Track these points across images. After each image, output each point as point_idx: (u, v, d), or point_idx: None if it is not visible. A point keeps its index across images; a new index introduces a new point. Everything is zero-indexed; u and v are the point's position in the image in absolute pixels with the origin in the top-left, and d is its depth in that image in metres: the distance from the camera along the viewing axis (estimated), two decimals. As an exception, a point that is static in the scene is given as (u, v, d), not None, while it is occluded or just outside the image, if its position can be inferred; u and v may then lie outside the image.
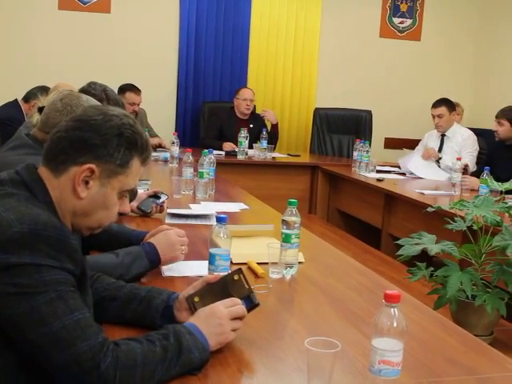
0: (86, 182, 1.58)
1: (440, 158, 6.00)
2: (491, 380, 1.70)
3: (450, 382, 1.65)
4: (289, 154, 6.87)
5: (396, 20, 7.83)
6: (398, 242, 2.91)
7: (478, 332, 2.70)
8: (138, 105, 6.33)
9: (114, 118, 1.61)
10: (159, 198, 3.29)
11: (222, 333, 1.66)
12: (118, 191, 1.63)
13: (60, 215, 1.58)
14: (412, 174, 5.87)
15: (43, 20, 6.77)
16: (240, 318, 1.71)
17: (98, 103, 2.47)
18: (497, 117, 5.37)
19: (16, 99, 5.75)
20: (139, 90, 6.32)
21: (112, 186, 1.61)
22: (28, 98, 5.69)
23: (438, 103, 6.19)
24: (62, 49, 6.79)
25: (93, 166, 1.57)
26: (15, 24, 6.71)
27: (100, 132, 1.58)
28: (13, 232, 1.42)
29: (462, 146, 6.05)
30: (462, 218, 2.91)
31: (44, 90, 5.68)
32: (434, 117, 6.19)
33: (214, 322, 1.65)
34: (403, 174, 5.93)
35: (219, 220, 2.23)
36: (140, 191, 3.41)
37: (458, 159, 5.33)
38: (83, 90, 2.99)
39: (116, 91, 5.93)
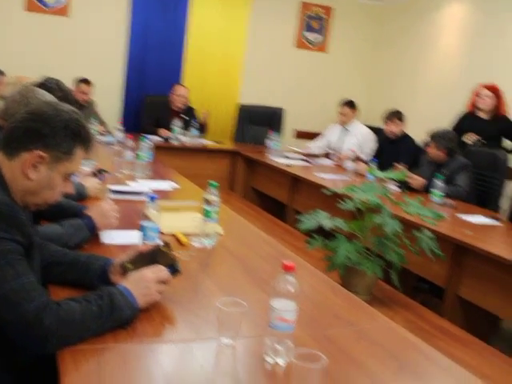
0: (35, 166, 1.54)
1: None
2: (367, 330, 1.75)
3: (333, 334, 1.69)
4: (215, 141, 6.84)
5: (308, 34, 7.85)
6: (299, 217, 2.93)
7: (360, 291, 2.76)
8: (89, 95, 6.17)
9: (63, 113, 1.58)
10: (101, 173, 3.25)
11: (149, 294, 1.65)
12: (62, 175, 1.60)
13: (12, 194, 1.54)
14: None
15: (9, 21, 6.49)
16: (165, 282, 1.71)
17: (52, 97, 2.39)
18: (389, 118, 5.40)
19: None
20: (91, 83, 6.16)
21: (58, 170, 1.58)
22: None
23: (343, 103, 6.30)
24: (24, 46, 6.51)
25: (42, 152, 1.53)
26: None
27: (50, 124, 1.55)
28: None
29: (361, 141, 6.16)
30: (352, 199, 2.95)
31: None
32: (339, 114, 6.27)
33: (142, 284, 1.64)
34: (307, 161, 6.01)
35: (151, 198, 2.21)
36: (85, 169, 3.33)
37: (352, 151, 5.44)
38: (40, 84, 2.89)
39: (72, 82, 5.84)
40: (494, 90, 5.18)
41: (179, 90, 6.68)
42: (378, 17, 7.94)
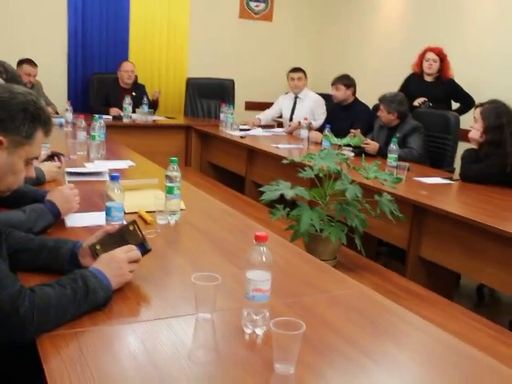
0: None
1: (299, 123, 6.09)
2: (338, 296, 1.79)
3: (307, 301, 1.72)
4: (166, 117, 6.78)
5: (252, 4, 7.80)
6: (261, 189, 2.94)
7: (325, 257, 2.80)
8: (35, 76, 6.00)
9: (20, 96, 1.54)
10: (58, 156, 3.20)
11: (122, 274, 1.65)
12: (24, 159, 1.56)
13: None
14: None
15: None
16: (136, 261, 1.70)
17: (0, 79, 2.32)
18: (333, 84, 5.49)
19: None
20: (35, 64, 5.97)
21: (19, 154, 1.54)
22: None
23: (296, 69, 6.29)
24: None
25: (1, 137, 1.49)
26: None
27: (6, 108, 1.51)
28: None
29: (314, 107, 6.19)
30: (311, 167, 2.97)
31: None
32: (293, 79, 6.25)
33: (114, 265, 1.63)
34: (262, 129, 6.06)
35: (113, 178, 2.19)
36: (42, 153, 3.27)
37: (305, 119, 5.46)
38: (-17, 66, 2.80)
39: (15, 65, 5.66)
40: (439, 53, 5.26)
41: (126, 66, 6.59)
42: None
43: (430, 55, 5.26)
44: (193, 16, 7.40)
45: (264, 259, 1.46)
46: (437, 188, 3.68)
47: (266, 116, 6.52)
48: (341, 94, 5.44)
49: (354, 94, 5.48)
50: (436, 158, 4.71)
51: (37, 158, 1.64)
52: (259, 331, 1.47)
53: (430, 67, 5.25)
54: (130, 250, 1.70)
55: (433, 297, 2.85)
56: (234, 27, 7.71)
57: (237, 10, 7.73)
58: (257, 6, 7.82)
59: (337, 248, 2.89)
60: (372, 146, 4.59)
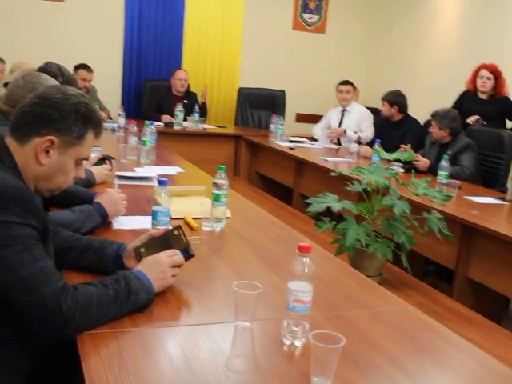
0: (47, 151, 1.54)
1: (345, 131, 6.09)
2: (381, 313, 1.75)
3: (348, 315, 1.69)
4: (217, 126, 6.83)
5: (305, 16, 7.81)
6: (307, 200, 2.93)
7: (370, 273, 2.76)
8: (90, 81, 6.13)
9: (72, 97, 1.57)
10: (108, 160, 3.26)
11: (164, 278, 1.66)
12: (74, 159, 1.59)
13: (25, 179, 1.54)
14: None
15: (4, 7, 6.45)
16: (179, 266, 1.71)
17: (56, 81, 2.39)
18: (381, 99, 5.47)
19: None
20: (91, 69, 6.11)
21: (69, 154, 1.57)
22: None
23: (347, 82, 6.29)
24: (22, 33, 6.48)
25: (53, 137, 1.53)
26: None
27: (59, 108, 1.54)
28: None
29: (360, 120, 6.16)
30: (359, 181, 2.94)
31: None
32: (341, 91, 6.25)
33: (157, 268, 1.65)
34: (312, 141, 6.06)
35: (161, 183, 2.22)
36: (92, 155, 3.33)
37: (355, 132, 5.43)
38: (41, 69, 2.88)
39: (71, 70, 5.80)
40: (493, 70, 5.14)
41: (179, 74, 6.67)
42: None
43: (484, 72, 5.14)
44: (246, 26, 7.46)
45: (306, 270, 1.45)
46: (488, 208, 3.59)
47: (319, 130, 6.50)
48: (385, 110, 5.41)
49: (400, 111, 5.40)
50: (488, 177, 4.60)
51: (87, 159, 1.67)
52: (298, 343, 1.46)
53: (484, 85, 5.13)
54: (174, 255, 1.71)
55: (480, 319, 2.78)
56: (287, 38, 7.73)
57: (290, 21, 7.75)
58: (310, 18, 7.83)
59: (382, 264, 2.84)
60: (423, 162, 4.52)
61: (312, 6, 7.81)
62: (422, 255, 3.74)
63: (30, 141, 1.53)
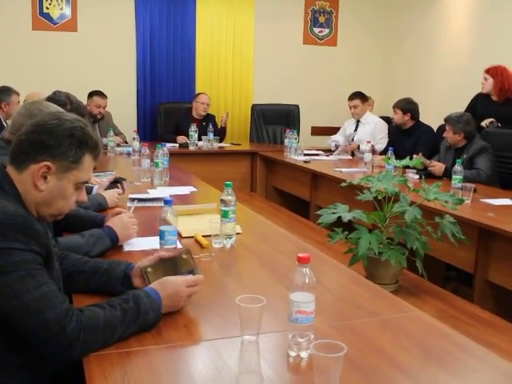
0: (45, 177, 1.56)
1: (358, 147, 6.07)
2: (389, 320, 1.73)
3: (356, 324, 1.68)
4: (232, 143, 6.86)
5: (316, 30, 7.85)
6: (318, 212, 2.92)
7: (386, 281, 2.74)
8: (104, 107, 6.21)
9: (67, 122, 1.59)
10: (119, 182, 3.28)
11: (176, 306, 1.68)
12: (73, 183, 1.61)
13: (27, 206, 1.56)
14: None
15: (18, 38, 6.60)
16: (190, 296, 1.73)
17: (58, 108, 2.43)
18: (393, 107, 5.45)
19: None
20: (105, 95, 6.20)
21: (67, 179, 1.59)
22: None
23: (353, 96, 6.28)
24: (35, 64, 6.61)
25: (49, 163, 1.55)
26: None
27: (54, 134, 1.56)
28: None
29: (373, 130, 6.15)
30: (369, 189, 2.93)
31: (3, 91, 5.50)
32: (350, 107, 6.28)
33: (174, 299, 1.66)
34: (327, 154, 6.04)
35: (166, 202, 2.23)
36: (103, 180, 3.37)
37: (368, 142, 5.41)
38: (49, 98, 2.94)
39: (86, 97, 5.89)
40: (488, 69, 5.10)
41: (202, 98, 6.75)
42: (386, 4, 7.89)
43: (484, 74, 5.13)
44: (257, 43, 7.51)
45: (307, 281, 1.44)
46: (505, 210, 3.54)
47: (336, 141, 6.49)
48: (398, 118, 5.39)
49: (413, 118, 5.37)
50: (507, 178, 4.54)
51: (87, 183, 1.69)
52: (304, 354, 1.45)
53: (482, 86, 5.12)
54: (194, 284, 1.71)
55: (501, 323, 2.72)
56: (298, 53, 7.76)
57: (300, 36, 7.78)
58: (321, 32, 7.85)
59: (398, 272, 2.82)
60: (438, 167, 4.48)
61: (322, 19, 7.84)
62: (443, 261, 3.70)
63: (28, 168, 1.55)
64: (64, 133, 1.56)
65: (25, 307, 1.40)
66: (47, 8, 6.72)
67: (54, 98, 2.93)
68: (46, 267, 1.50)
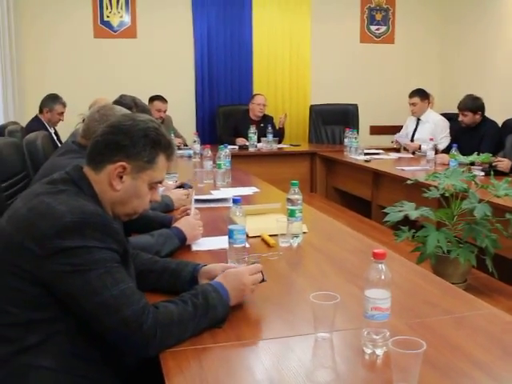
0: (120, 177, 1.59)
1: (420, 147, 5.97)
2: (465, 318, 1.70)
3: (430, 322, 1.65)
4: (291, 144, 6.85)
5: (373, 27, 7.77)
6: (384, 210, 2.88)
7: (455, 280, 2.68)
8: (165, 112, 6.32)
9: (141, 123, 1.62)
10: (185, 188, 3.33)
11: (242, 295, 1.69)
12: (147, 183, 1.64)
13: (103, 205, 1.60)
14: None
15: (80, 47, 6.80)
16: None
17: (129, 111, 2.48)
18: (460, 109, 5.28)
19: (36, 114, 5.73)
20: (165, 100, 6.32)
21: (142, 179, 1.62)
22: (41, 108, 5.69)
23: (412, 94, 6.19)
24: (98, 71, 6.80)
25: (124, 163, 1.58)
26: (58, 52, 6.76)
27: (129, 135, 1.59)
28: (66, 221, 1.44)
29: (434, 129, 6.03)
30: (436, 187, 2.88)
31: (51, 97, 5.68)
32: (410, 104, 6.18)
33: (238, 286, 1.67)
34: (389, 152, 5.96)
35: (235, 201, 2.25)
36: (169, 183, 3.43)
37: (431, 139, 5.31)
38: (116, 102, 3.00)
39: (147, 101, 6.00)
40: None
41: (258, 99, 6.79)
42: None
43: None
44: (314, 43, 7.49)
45: (383, 277, 1.43)
46: None
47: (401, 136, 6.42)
48: (469, 119, 5.23)
49: (482, 115, 5.24)
50: None
51: (161, 182, 1.72)
52: (379, 351, 1.44)
53: None
54: (256, 272, 1.73)
55: None
56: (355, 52, 7.69)
57: (357, 34, 7.72)
58: (377, 30, 7.77)
59: (466, 270, 2.75)
60: (505, 163, 4.36)
61: (379, 17, 7.76)
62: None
63: (104, 168, 1.59)
64: (138, 133, 1.60)
65: (104, 304, 1.43)
66: (108, 16, 6.91)
67: (121, 101, 2.99)
68: (123, 265, 1.54)
